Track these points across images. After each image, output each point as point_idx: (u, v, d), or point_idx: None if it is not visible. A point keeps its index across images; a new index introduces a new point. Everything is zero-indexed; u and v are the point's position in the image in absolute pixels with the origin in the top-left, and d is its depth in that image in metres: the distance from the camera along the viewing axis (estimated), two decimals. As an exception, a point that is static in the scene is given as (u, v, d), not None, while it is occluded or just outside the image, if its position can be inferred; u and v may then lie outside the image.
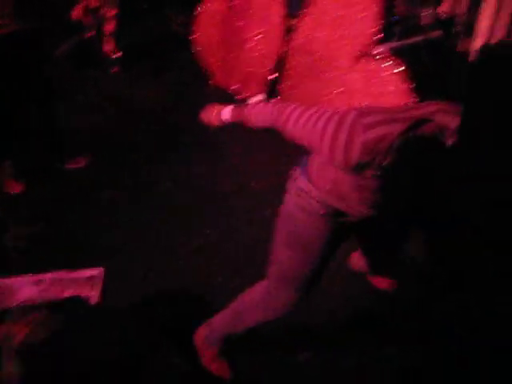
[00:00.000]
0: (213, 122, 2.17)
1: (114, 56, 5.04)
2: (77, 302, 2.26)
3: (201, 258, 2.99)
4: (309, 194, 1.85)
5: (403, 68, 3.61)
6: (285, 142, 3.96)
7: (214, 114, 2.15)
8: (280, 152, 3.98)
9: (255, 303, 2.15)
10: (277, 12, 4.22)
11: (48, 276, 2.72)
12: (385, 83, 3.69)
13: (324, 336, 2.57)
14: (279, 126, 1.83)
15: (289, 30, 4.21)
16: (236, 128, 4.11)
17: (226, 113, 2.09)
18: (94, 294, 2.62)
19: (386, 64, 3.66)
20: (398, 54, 3.76)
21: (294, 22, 4.17)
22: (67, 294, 2.60)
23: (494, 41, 4.30)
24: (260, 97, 2.11)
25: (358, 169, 1.58)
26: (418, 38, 4.02)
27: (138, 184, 3.58)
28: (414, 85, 3.54)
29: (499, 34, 4.29)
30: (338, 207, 1.80)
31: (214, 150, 4.02)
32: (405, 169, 1.49)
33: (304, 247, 1.93)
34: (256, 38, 4.41)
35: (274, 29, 4.27)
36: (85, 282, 2.71)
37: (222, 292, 2.75)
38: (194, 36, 4.88)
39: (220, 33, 4.70)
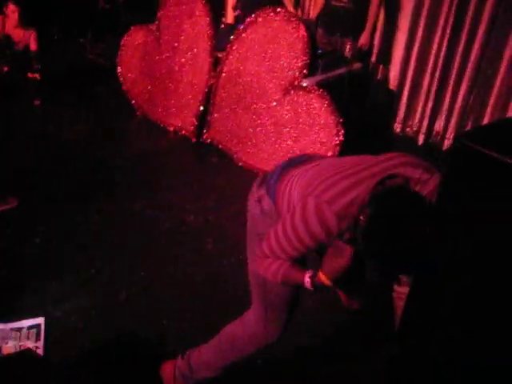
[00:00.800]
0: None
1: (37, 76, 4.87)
2: (26, 355, 2.17)
3: (141, 301, 2.93)
4: (274, 216, 1.85)
5: (329, 99, 3.78)
6: (213, 177, 4.08)
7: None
8: (210, 186, 4.04)
9: (248, 336, 2.10)
10: (204, 45, 4.28)
11: (-15, 328, 2.59)
12: (314, 115, 3.83)
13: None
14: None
15: (216, 63, 4.28)
16: (167, 162, 4.22)
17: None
18: (38, 345, 2.53)
19: (314, 96, 3.81)
20: (323, 87, 3.92)
21: (221, 54, 4.24)
22: (10, 345, 2.49)
23: (408, 69, 4.58)
24: None
25: (340, 237, 1.60)
26: (342, 70, 4.21)
27: (70, 223, 3.47)
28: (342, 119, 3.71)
29: (412, 64, 4.58)
30: None
31: (148, 186, 3.99)
32: (377, 223, 1.52)
33: None
34: (183, 70, 4.45)
35: (202, 61, 4.33)
36: (27, 332, 2.61)
37: (168, 334, 2.73)
38: (118, 67, 4.86)
39: (145, 64, 4.70)
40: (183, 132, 4.59)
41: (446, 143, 4.66)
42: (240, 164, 4.28)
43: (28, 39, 4.83)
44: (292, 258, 1.73)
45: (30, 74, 4.82)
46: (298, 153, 3.95)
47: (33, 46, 4.84)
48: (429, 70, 4.55)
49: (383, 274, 1.84)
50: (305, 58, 3.84)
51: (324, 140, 3.83)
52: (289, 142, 3.99)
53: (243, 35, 4.06)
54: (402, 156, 1.62)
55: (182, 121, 4.57)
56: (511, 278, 0.99)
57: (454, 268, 1.08)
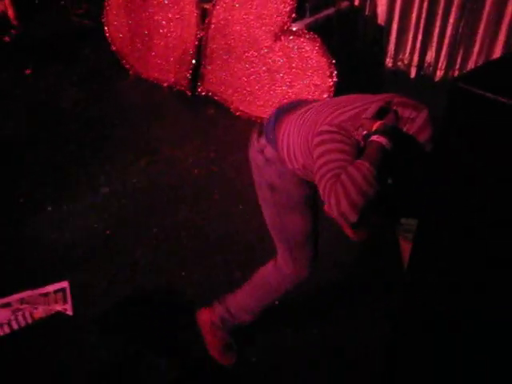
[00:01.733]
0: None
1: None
2: (57, 317, 2.30)
3: (157, 256, 3.04)
4: (280, 163, 1.92)
5: (320, 42, 3.79)
6: (212, 129, 4.13)
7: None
8: (210, 137, 4.10)
9: (281, 278, 2.19)
10: (189, -3, 4.25)
11: (14, 297, 2.71)
12: (306, 58, 3.86)
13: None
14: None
15: (204, 15, 4.26)
16: (164, 118, 4.25)
17: None
18: (67, 307, 2.66)
19: (304, 40, 3.83)
20: (313, 29, 3.93)
21: (208, 5, 4.22)
22: (41, 309, 2.62)
23: (395, 2, 4.55)
24: None
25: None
26: (329, 11, 4.20)
27: (76, 186, 3.55)
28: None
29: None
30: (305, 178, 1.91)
31: (148, 142, 4.04)
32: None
33: (302, 205, 2.01)
34: (171, 24, 4.43)
35: (189, 14, 4.30)
36: (54, 296, 2.73)
37: (188, 285, 2.87)
38: (105, 27, 4.82)
39: (132, 22, 4.67)
40: (178, 87, 4.61)
41: (439, 74, 4.68)
42: (237, 113, 4.32)
43: (3, 7, 4.78)
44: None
45: (6, 38, 4.80)
46: (294, 97, 4.00)
47: (10, 12, 4.80)
48: (416, 2, 4.52)
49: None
50: (292, 1, 3.83)
51: (318, 82, 3.86)
52: (283, 88, 4.03)
53: (228, -16, 4.03)
54: (393, 96, 1.68)
55: (175, 76, 4.58)
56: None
57: (458, 215, 1.16)
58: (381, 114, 1.61)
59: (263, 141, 1.97)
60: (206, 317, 2.43)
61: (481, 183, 1.05)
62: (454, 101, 1.04)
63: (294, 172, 1.92)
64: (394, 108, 1.63)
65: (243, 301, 2.32)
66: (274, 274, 2.22)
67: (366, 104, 1.69)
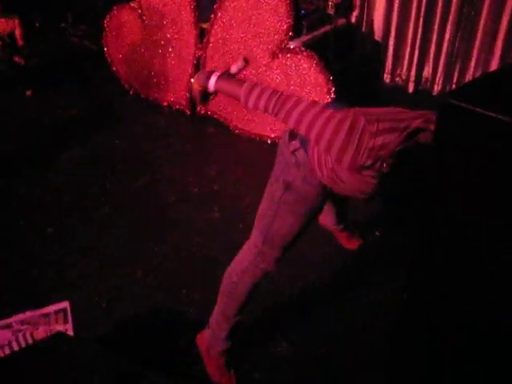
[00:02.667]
0: (196, 93, 1.97)
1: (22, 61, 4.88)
2: (59, 337, 2.29)
3: (157, 275, 3.05)
4: (308, 168, 1.93)
5: (317, 59, 3.82)
6: (211, 147, 4.15)
7: (200, 79, 1.94)
8: (210, 156, 4.12)
9: (244, 271, 2.24)
10: (187, 17, 4.29)
11: (14, 318, 2.71)
12: (303, 76, 3.88)
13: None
14: (280, 118, 1.78)
15: (202, 34, 4.30)
16: (164, 138, 4.28)
17: (213, 82, 1.93)
18: (68, 328, 2.66)
19: (302, 57, 3.86)
20: (310, 47, 3.96)
21: (205, 25, 4.26)
22: (41, 330, 2.62)
23: (392, 19, 4.60)
24: (240, 64, 2.00)
25: (361, 170, 1.68)
26: (326, 28, 4.24)
27: (77, 208, 3.57)
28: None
29: (395, 13, 4.59)
30: (330, 186, 1.93)
31: (148, 162, 4.06)
32: (400, 171, 1.64)
33: (307, 212, 2.06)
34: (170, 44, 4.47)
35: (187, 33, 4.35)
36: (55, 317, 2.73)
37: (188, 303, 2.87)
38: (105, 48, 4.87)
39: (131, 43, 4.71)
40: (177, 106, 4.64)
41: (436, 89, 4.71)
42: (236, 132, 4.34)
43: (12, 27, 4.83)
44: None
45: (16, 58, 4.83)
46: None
47: (17, 32, 4.85)
48: (412, 18, 4.57)
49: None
50: (289, 20, 3.86)
51: (316, 99, 3.88)
52: (282, 105, 4.05)
53: (226, 3, 4.07)
54: (429, 114, 1.68)
55: (174, 95, 4.62)
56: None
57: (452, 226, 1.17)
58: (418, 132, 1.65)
59: (297, 144, 1.96)
60: (201, 339, 2.47)
61: (474, 200, 1.06)
62: (444, 116, 1.05)
63: (321, 181, 1.93)
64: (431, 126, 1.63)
65: (217, 311, 2.37)
66: (235, 267, 2.28)
67: (403, 120, 1.69)
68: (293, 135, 1.99)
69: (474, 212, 1.08)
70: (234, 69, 2.01)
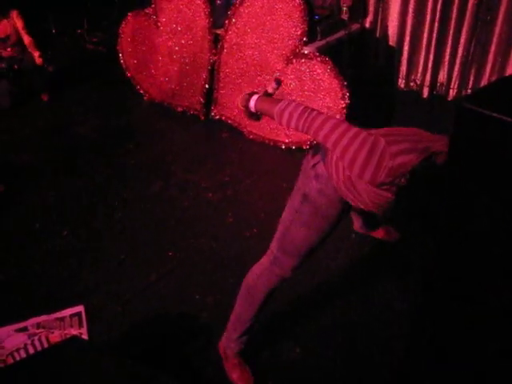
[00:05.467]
0: (243, 110, 2.13)
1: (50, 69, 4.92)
2: (73, 341, 2.31)
3: (171, 279, 3.06)
4: (326, 179, 2.02)
5: (331, 64, 3.82)
6: (225, 153, 4.16)
7: (242, 101, 2.11)
8: (223, 161, 4.13)
9: (259, 276, 2.30)
10: (202, 23, 4.32)
11: (30, 322, 2.73)
12: (317, 81, 3.88)
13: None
14: (310, 135, 1.93)
15: (217, 40, 4.32)
16: (178, 143, 4.30)
17: (253, 103, 2.08)
18: (82, 332, 2.67)
19: (316, 62, 3.86)
20: (324, 52, 3.97)
21: (220, 31, 4.28)
22: (57, 334, 2.63)
23: (406, 23, 4.58)
24: (274, 85, 2.11)
25: (379, 186, 1.81)
26: (341, 34, 4.24)
27: (93, 213, 3.59)
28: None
29: (410, 18, 4.57)
30: (346, 197, 2.00)
31: (162, 167, 4.08)
32: (416, 189, 1.74)
33: (320, 227, 2.12)
34: (184, 50, 4.50)
35: (201, 39, 4.37)
36: (70, 320, 2.75)
37: (202, 308, 2.87)
38: (120, 55, 4.91)
39: (146, 49, 4.75)
40: (191, 111, 4.66)
41: (451, 93, 4.68)
42: (250, 137, 4.35)
43: (13, 25, 4.85)
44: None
45: (44, 65, 4.85)
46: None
47: (19, 25, 4.86)
48: (427, 23, 4.54)
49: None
50: (303, 25, 3.87)
51: (330, 104, 3.88)
52: (296, 111, 4.05)
53: (240, 9, 4.09)
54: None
55: (188, 101, 4.64)
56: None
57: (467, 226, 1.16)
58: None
59: (318, 158, 2.08)
60: (220, 347, 2.53)
61: (489, 205, 1.06)
62: (460, 121, 1.04)
63: (336, 190, 2.00)
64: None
65: (234, 313, 2.43)
66: (254, 271, 2.34)
67: (422, 141, 1.80)
68: (316, 150, 2.11)
69: (489, 216, 1.07)
70: (270, 89, 2.13)
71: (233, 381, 2.46)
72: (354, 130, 1.85)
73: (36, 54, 4.77)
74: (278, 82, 2.12)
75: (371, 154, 1.78)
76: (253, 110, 2.09)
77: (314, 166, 2.08)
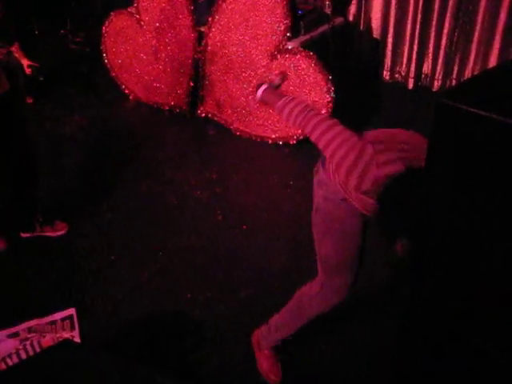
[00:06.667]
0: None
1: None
2: (65, 345, 2.30)
3: (162, 279, 3.06)
4: (327, 184, 2.02)
5: (316, 59, 3.83)
6: (212, 150, 4.15)
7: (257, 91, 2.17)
8: (211, 158, 4.13)
9: (310, 297, 2.28)
10: (185, 21, 4.30)
11: (22, 326, 2.72)
12: (302, 76, 3.89)
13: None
14: (305, 133, 2.02)
15: (200, 37, 4.31)
16: (165, 142, 4.29)
17: (259, 94, 2.16)
18: (74, 334, 2.67)
19: (300, 57, 3.87)
20: (308, 47, 3.97)
21: (203, 29, 4.27)
22: (49, 337, 2.63)
23: (390, 16, 4.59)
24: (279, 78, 2.28)
25: (364, 193, 1.83)
26: (324, 28, 4.24)
27: (81, 213, 3.56)
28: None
29: (393, 10, 4.58)
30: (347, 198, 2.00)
31: (151, 165, 4.07)
32: (401, 196, 1.76)
33: (338, 233, 2.09)
34: (168, 49, 4.48)
35: (185, 37, 4.36)
36: (61, 324, 2.74)
37: (194, 306, 2.88)
38: (104, 54, 4.88)
39: (130, 48, 4.72)
40: (177, 110, 4.65)
41: (436, 84, 4.71)
42: (237, 133, 4.35)
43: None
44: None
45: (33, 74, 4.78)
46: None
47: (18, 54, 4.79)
48: (410, 14, 4.57)
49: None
50: (286, 21, 3.88)
51: (316, 99, 3.89)
52: (282, 106, 4.05)
53: (223, 6, 4.08)
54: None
55: (174, 99, 4.62)
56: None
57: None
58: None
59: (319, 164, 2.09)
60: (254, 336, 2.54)
61: (468, 199, 1.07)
62: (439, 117, 1.05)
63: (338, 192, 1.98)
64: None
65: (282, 317, 2.42)
66: (307, 292, 2.31)
67: (411, 151, 1.81)
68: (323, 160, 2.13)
69: (469, 211, 1.09)
70: (276, 81, 2.25)
71: (262, 371, 2.50)
72: (347, 133, 1.90)
73: (25, 62, 4.70)
74: (285, 76, 2.24)
75: (357, 161, 1.82)
76: (258, 99, 2.18)
77: (316, 172, 2.10)
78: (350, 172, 1.83)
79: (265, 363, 2.50)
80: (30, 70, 4.59)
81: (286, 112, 2.03)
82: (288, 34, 3.92)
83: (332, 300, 2.23)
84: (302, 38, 4.08)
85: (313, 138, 1.96)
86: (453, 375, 1.42)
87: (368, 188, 1.81)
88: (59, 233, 3.31)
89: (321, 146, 1.93)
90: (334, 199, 2.02)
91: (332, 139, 1.90)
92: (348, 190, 1.91)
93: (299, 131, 3.95)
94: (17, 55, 4.64)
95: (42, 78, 4.69)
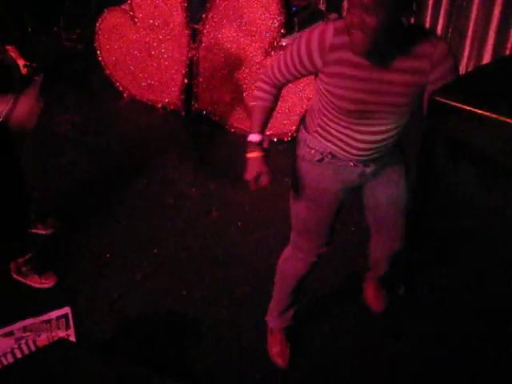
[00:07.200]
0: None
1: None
2: (61, 344, 2.30)
3: (158, 277, 3.06)
4: (305, 142, 2.07)
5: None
6: (207, 147, 4.15)
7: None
8: (206, 156, 4.12)
9: (285, 258, 2.38)
10: (179, 18, 4.29)
11: (17, 326, 2.71)
12: (297, 73, 3.88)
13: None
14: (270, 78, 2.05)
15: (195, 35, 4.30)
16: (160, 139, 4.28)
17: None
18: (70, 333, 2.67)
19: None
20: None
21: (198, 26, 4.26)
22: (44, 337, 2.63)
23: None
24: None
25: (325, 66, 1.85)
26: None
27: (76, 212, 3.55)
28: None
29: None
30: (326, 149, 2.02)
31: (145, 164, 4.06)
32: None
33: (310, 198, 2.14)
34: (162, 46, 4.47)
35: (179, 34, 4.34)
36: (57, 323, 2.74)
37: (190, 303, 2.88)
38: (98, 52, 4.87)
39: (124, 45, 4.71)
40: (172, 107, 4.64)
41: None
42: (232, 130, 4.35)
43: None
44: (277, 81, 2.03)
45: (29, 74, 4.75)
46: (287, 112, 4.03)
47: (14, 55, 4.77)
48: (404, 10, 4.56)
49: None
50: (280, 17, 3.87)
51: (310, 95, 3.89)
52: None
53: (217, 3, 4.07)
54: None
55: (168, 96, 4.61)
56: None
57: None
58: None
59: (299, 123, 2.16)
60: (266, 318, 2.61)
61: (461, 191, 1.07)
62: (432, 113, 1.05)
63: (314, 155, 2.04)
64: None
65: (274, 288, 2.51)
66: (284, 253, 2.40)
67: None
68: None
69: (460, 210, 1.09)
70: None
71: (272, 355, 2.56)
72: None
73: (20, 62, 4.67)
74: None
75: (310, 31, 1.87)
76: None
77: (296, 131, 2.16)
78: (310, 31, 1.87)
79: (274, 347, 2.56)
80: (26, 69, 4.57)
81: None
82: (282, 31, 3.91)
83: (302, 261, 2.30)
84: (297, 35, 4.07)
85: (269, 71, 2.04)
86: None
87: (332, 44, 1.81)
88: (46, 285, 2.99)
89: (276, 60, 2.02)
90: (311, 160, 2.07)
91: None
92: (326, 137, 1.99)
93: (293, 128, 3.96)
94: (13, 55, 4.62)
95: (40, 78, 4.68)
